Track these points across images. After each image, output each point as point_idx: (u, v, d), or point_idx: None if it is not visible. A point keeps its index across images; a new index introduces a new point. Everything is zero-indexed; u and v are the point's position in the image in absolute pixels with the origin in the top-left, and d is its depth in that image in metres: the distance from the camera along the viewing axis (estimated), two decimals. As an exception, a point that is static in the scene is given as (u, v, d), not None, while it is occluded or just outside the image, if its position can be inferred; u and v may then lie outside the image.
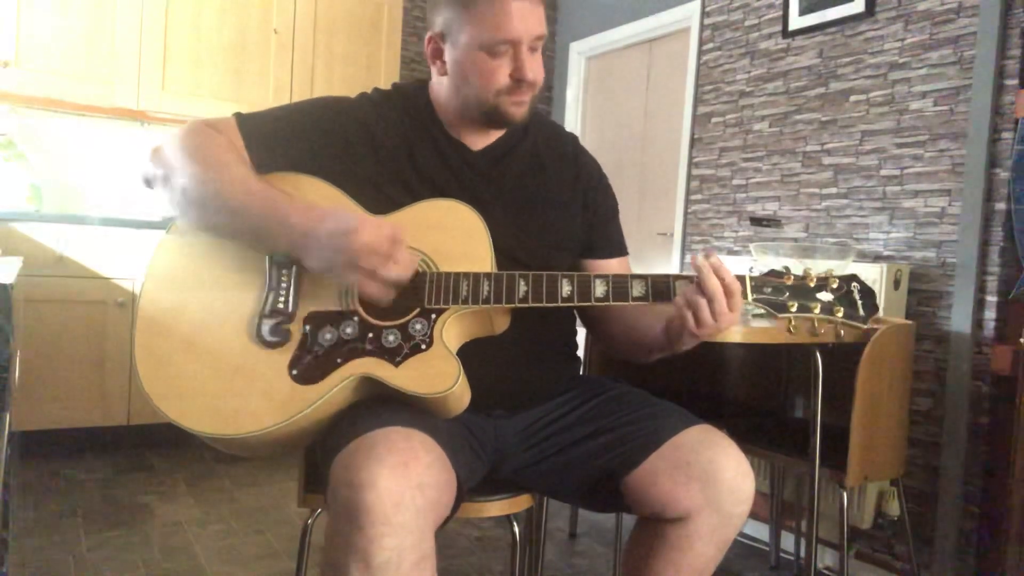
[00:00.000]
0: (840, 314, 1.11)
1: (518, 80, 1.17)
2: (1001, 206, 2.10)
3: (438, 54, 1.22)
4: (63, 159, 3.38)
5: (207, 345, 1.12)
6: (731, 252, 2.94)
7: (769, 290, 1.12)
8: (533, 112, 1.35)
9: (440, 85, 1.26)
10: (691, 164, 3.17)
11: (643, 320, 1.25)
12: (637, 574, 1.18)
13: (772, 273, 1.14)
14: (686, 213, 3.20)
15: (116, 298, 2.97)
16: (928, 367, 2.23)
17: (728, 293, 1.06)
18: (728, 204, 2.98)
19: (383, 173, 1.22)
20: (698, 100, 3.16)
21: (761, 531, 2.54)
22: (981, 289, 2.13)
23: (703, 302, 1.05)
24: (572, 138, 1.40)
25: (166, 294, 1.16)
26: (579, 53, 4.11)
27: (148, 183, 1.20)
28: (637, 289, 1.12)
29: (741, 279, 1.12)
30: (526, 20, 1.14)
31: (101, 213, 3.36)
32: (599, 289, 1.12)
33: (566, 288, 1.12)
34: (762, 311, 1.13)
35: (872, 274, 2.21)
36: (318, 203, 1.13)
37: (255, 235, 1.12)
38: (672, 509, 1.12)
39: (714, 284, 1.06)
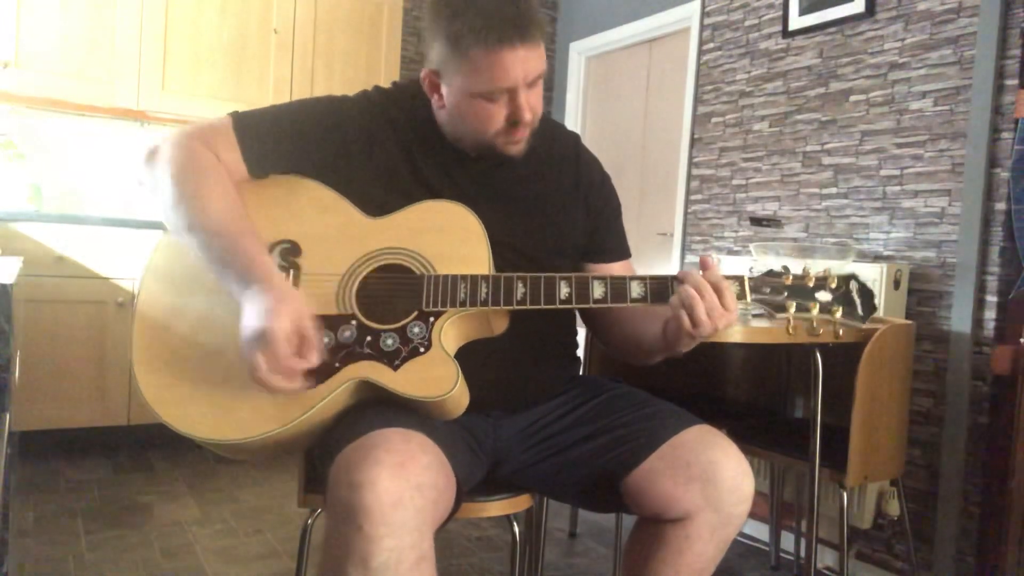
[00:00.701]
0: (838, 314, 1.11)
1: (515, 122, 1.14)
2: (1001, 206, 2.10)
3: (435, 88, 1.18)
4: (63, 159, 3.38)
5: (204, 348, 1.12)
6: (731, 252, 2.94)
7: (768, 290, 1.12)
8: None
9: (438, 110, 1.23)
10: (691, 164, 3.17)
11: (642, 323, 1.24)
12: (637, 574, 1.18)
13: (771, 273, 1.14)
14: (686, 213, 3.20)
15: (116, 298, 2.97)
16: (928, 367, 2.22)
17: (717, 290, 1.06)
18: (728, 204, 2.98)
19: (381, 174, 1.22)
20: (698, 100, 3.16)
21: (761, 531, 2.54)
22: (981, 289, 2.13)
23: (697, 301, 1.05)
24: (574, 138, 1.38)
25: (164, 296, 1.16)
26: (579, 53, 4.11)
27: (140, 184, 1.20)
28: (635, 290, 1.12)
29: (740, 279, 1.11)
30: (523, 65, 1.09)
31: (101, 213, 3.36)
32: (597, 291, 1.12)
33: (564, 290, 1.12)
34: (761, 311, 1.13)
35: (872, 274, 2.21)
36: (267, 274, 1.09)
37: (215, 272, 1.12)
38: (672, 509, 1.12)
39: (703, 282, 1.06)
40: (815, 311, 1.11)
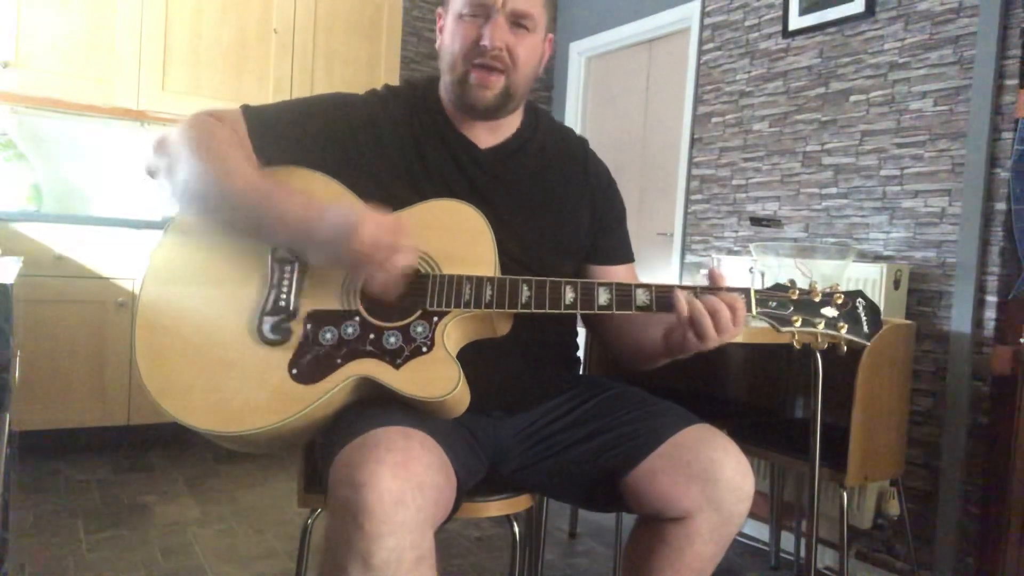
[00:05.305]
0: (844, 330, 1.10)
1: (478, 45, 1.18)
2: (1001, 206, 2.10)
3: (441, 28, 1.27)
4: (63, 159, 3.38)
5: (207, 342, 1.12)
6: (731, 252, 2.94)
7: (774, 304, 1.11)
8: (541, 112, 1.35)
9: (442, 70, 1.27)
10: (691, 164, 3.17)
11: (643, 329, 1.24)
12: (637, 574, 1.18)
13: (777, 287, 1.13)
14: (686, 213, 3.20)
15: (116, 298, 2.97)
16: (928, 367, 2.22)
17: (732, 309, 1.07)
18: (728, 204, 2.98)
19: (389, 170, 1.22)
20: (698, 100, 3.16)
21: (761, 531, 2.54)
22: (981, 289, 2.13)
23: (706, 318, 1.06)
24: (582, 142, 1.39)
25: (167, 291, 1.16)
26: (579, 53, 4.11)
27: (151, 174, 1.20)
28: (641, 298, 1.12)
29: (746, 292, 1.11)
30: None
31: (101, 213, 3.36)
32: (602, 297, 1.12)
33: (569, 295, 1.12)
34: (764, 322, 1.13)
35: (872, 274, 2.21)
36: (319, 197, 1.13)
37: (255, 229, 1.12)
38: (672, 508, 1.12)
39: (715, 299, 1.07)
40: (821, 327, 1.10)
